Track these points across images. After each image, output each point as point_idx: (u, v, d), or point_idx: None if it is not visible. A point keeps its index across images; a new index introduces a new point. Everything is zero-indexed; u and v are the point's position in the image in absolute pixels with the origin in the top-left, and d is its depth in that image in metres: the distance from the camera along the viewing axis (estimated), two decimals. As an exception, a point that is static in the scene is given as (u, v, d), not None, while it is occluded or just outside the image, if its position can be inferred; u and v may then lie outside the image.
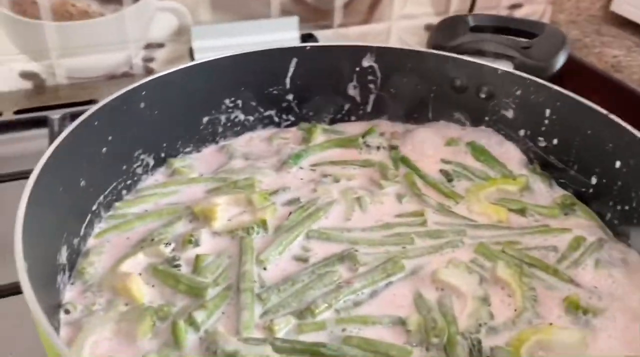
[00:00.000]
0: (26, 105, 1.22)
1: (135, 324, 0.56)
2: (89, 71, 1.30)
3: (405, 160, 0.82)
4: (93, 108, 0.66)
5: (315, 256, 0.66)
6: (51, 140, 1.04)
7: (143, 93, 0.72)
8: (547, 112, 0.77)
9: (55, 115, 1.14)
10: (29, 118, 1.15)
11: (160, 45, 1.28)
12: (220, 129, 0.85)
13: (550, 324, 0.59)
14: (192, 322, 0.57)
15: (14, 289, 0.68)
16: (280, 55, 0.84)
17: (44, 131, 1.11)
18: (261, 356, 0.53)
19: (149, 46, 1.28)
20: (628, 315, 0.60)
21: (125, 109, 0.71)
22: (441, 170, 0.81)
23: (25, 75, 1.27)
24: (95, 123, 0.66)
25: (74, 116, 1.10)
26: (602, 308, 0.61)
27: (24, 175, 0.91)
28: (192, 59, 1.27)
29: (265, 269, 0.64)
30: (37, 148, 1.10)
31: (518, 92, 0.80)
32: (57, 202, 0.60)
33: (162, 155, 0.80)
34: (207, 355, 0.54)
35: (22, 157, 1.08)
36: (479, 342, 0.57)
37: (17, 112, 1.20)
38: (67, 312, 0.59)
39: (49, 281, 0.58)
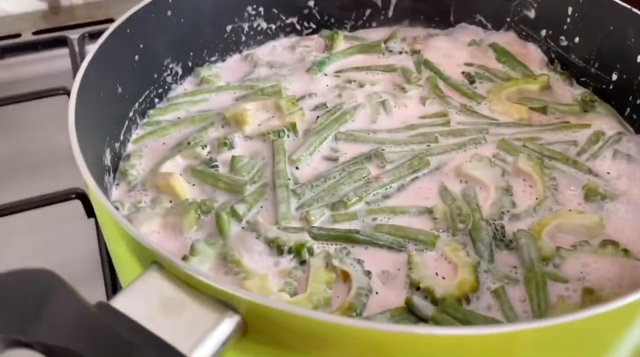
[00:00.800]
0: (44, 26, 1.23)
1: (181, 217, 0.60)
2: (103, -11, 1.30)
3: (427, 64, 0.83)
4: (125, 15, 0.67)
5: (344, 156, 0.69)
6: (72, 60, 1.06)
7: (170, 0, 0.73)
8: (570, 10, 0.77)
9: (74, 34, 1.15)
10: (49, 38, 1.16)
11: (174, -40, 1.26)
12: (243, 38, 0.86)
13: (570, 210, 0.63)
14: (234, 214, 0.61)
15: (51, 200, 0.73)
16: (301, -41, 0.84)
17: (63, 51, 1.12)
18: (300, 241, 0.57)
19: (162, -39, 1.26)
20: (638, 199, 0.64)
21: (154, 17, 0.72)
22: (463, 73, 0.82)
23: (41, -5, 1.27)
24: (128, 30, 0.67)
25: (92, 35, 1.12)
26: (617, 194, 0.64)
27: (52, 93, 0.95)
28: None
29: (297, 168, 0.68)
30: (58, 68, 1.12)
31: (540, -9, 0.80)
32: (99, 105, 0.63)
33: (189, 64, 0.81)
34: (250, 239, 0.58)
35: (44, 76, 1.11)
36: (502, 227, 0.61)
37: (36, 33, 1.20)
38: (116, 209, 0.63)
39: (98, 179, 0.61)
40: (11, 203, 0.77)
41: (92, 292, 0.69)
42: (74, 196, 0.77)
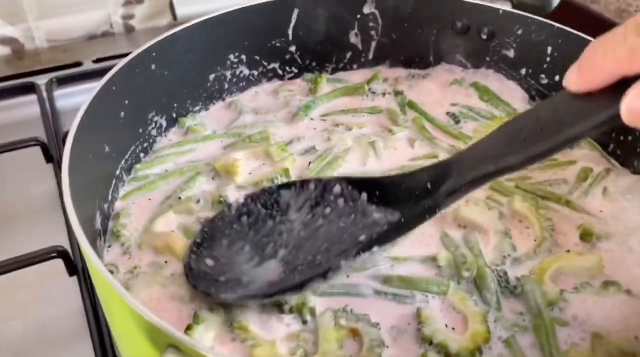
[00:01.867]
0: (7, 72, 1.18)
1: (183, 288, 0.58)
2: (68, 32, 1.26)
3: (412, 105, 0.84)
4: (110, 73, 0.65)
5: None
6: (41, 107, 1.03)
7: (153, 54, 0.72)
8: (549, 49, 0.79)
9: (41, 80, 1.11)
10: (15, 85, 1.12)
11: (139, 1, 1.24)
12: (226, 86, 0.85)
13: (568, 251, 0.64)
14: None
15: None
16: (283, 6, 0.83)
17: (31, 98, 1.08)
18: (301, 300, 0.56)
19: (127, 3, 1.24)
20: (633, 236, 0.65)
21: (138, 72, 0.70)
22: (447, 113, 0.83)
23: (3, 40, 1.22)
24: (114, 88, 0.65)
25: (61, 80, 1.09)
26: (611, 233, 0.65)
27: (25, 144, 0.91)
28: (173, 13, 1.25)
29: (295, 220, 0.66)
30: (26, 115, 1.08)
31: (519, 31, 0.81)
32: (89, 169, 0.60)
33: (174, 115, 0.80)
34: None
35: (11, 125, 1.06)
36: (505, 273, 0.61)
37: (0, 80, 1.16)
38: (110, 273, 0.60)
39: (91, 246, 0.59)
40: (-12, 265, 0.73)
41: (79, 354, 0.66)
42: (55, 254, 0.74)
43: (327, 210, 0.61)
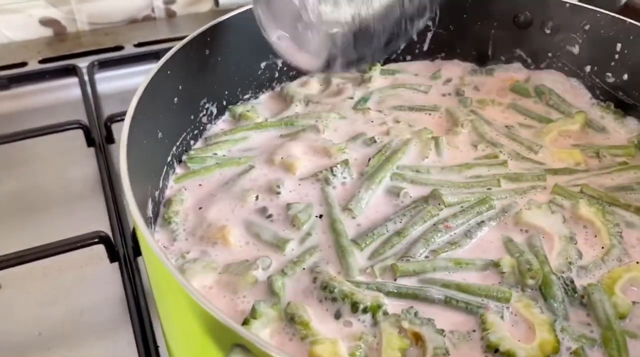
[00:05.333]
0: (49, 54, 1.18)
1: (239, 277, 0.56)
2: (110, 16, 1.26)
3: (472, 109, 0.81)
4: (166, 56, 0.63)
5: (405, 195, 0.66)
6: (82, 89, 1.02)
7: (208, 39, 0.70)
8: (618, 46, 0.75)
9: (82, 63, 1.10)
10: (57, 67, 1.12)
11: (181, -13, 1.23)
12: (276, 74, 0.83)
13: (637, 262, 0.60)
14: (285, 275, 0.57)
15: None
16: (338, -7, 0.80)
17: (72, 80, 1.08)
18: (376, 302, 0.54)
19: (169, -12, 1.23)
20: None
21: (193, 57, 0.68)
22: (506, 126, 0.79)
23: (45, 22, 1.22)
24: (169, 72, 0.63)
25: (102, 64, 1.08)
26: (685, 243, 0.62)
27: (67, 127, 0.90)
28: (216, -1, 1.23)
29: (354, 218, 0.64)
30: (66, 98, 1.07)
31: (587, 27, 0.77)
32: (142, 154, 0.59)
33: (224, 103, 0.78)
34: (320, 291, 0.55)
35: (52, 107, 1.06)
36: (572, 281, 0.58)
37: (42, 62, 1.16)
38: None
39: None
40: (30, 250, 0.71)
41: (120, 342, 0.66)
42: (97, 240, 0.72)
43: None
